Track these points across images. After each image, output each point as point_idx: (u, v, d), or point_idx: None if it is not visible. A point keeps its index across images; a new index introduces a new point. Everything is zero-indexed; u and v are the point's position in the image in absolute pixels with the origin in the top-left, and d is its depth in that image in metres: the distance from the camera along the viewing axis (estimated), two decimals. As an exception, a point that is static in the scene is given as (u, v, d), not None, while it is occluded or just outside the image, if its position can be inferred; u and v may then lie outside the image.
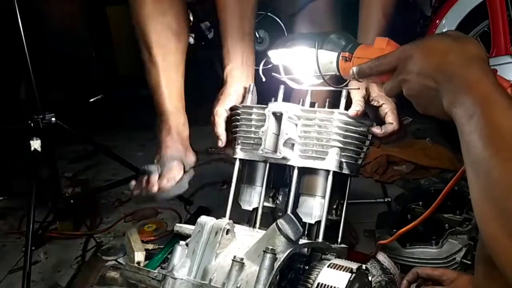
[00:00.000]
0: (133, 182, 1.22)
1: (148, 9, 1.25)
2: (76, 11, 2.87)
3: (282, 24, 2.49)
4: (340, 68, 0.83)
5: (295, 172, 0.98)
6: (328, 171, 0.96)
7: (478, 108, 0.56)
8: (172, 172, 1.20)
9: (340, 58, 0.82)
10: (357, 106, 0.96)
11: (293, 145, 0.98)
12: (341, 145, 0.95)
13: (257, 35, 2.37)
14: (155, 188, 1.17)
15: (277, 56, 0.96)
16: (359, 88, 1.00)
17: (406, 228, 0.95)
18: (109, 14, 3.06)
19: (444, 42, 0.63)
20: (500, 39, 1.68)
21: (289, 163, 0.98)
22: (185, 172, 1.24)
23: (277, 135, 0.98)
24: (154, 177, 1.19)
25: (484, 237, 0.55)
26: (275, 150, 0.97)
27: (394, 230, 1.25)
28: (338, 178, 0.98)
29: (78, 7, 2.88)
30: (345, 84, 0.94)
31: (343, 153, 0.96)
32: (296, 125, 0.98)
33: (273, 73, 1.00)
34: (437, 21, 1.87)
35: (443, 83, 0.61)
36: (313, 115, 0.97)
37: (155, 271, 0.83)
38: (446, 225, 1.23)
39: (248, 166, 1.05)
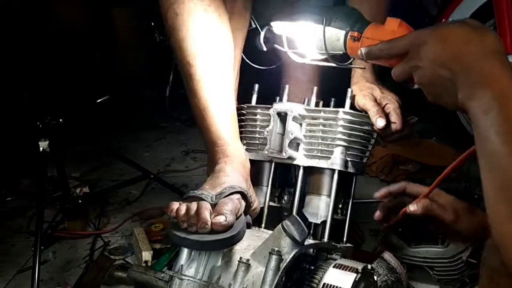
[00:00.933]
0: (174, 206, 0.85)
1: (185, 5, 0.98)
2: (81, 13, 2.88)
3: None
4: (348, 47, 0.81)
5: (301, 171, 0.99)
6: (333, 170, 0.96)
7: (496, 103, 0.54)
8: (233, 205, 0.85)
9: (349, 37, 0.79)
10: (383, 118, 0.96)
11: (298, 144, 0.99)
12: (346, 144, 0.96)
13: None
14: (207, 226, 0.79)
15: (280, 27, 0.93)
16: (364, 68, 0.99)
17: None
18: (114, 16, 3.08)
19: (462, 31, 0.60)
20: (506, 38, 1.67)
21: (294, 162, 0.99)
22: (246, 213, 0.93)
23: (282, 135, 0.98)
24: (206, 210, 0.82)
25: (496, 236, 0.53)
26: (281, 150, 0.97)
27: (400, 230, 1.26)
28: (344, 177, 0.99)
29: (83, 8, 2.90)
30: (349, 62, 0.91)
31: (348, 152, 0.96)
32: (301, 124, 0.99)
33: (275, 44, 0.97)
34: (443, 20, 1.86)
35: (460, 74, 0.59)
36: (318, 115, 0.97)
37: (162, 272, 0.83)
38: (452, 224, 1.23)
39: (254, 166, 1.06)
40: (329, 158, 0.96)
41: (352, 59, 0.89)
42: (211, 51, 1.00)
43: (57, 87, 2.12)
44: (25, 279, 1.37)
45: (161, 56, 2.36)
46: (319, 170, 0.99)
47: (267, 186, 1.03)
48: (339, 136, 0.96)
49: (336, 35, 0.81)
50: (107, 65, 2.85)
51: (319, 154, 0.97)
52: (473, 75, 0.57)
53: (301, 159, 0.99)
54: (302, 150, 0.99)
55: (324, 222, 0.97)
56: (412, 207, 0.86)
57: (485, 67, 0.57)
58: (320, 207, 0.98)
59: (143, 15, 2.80)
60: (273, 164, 1.03)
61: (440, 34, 0.62)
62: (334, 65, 0.90)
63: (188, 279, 0.79)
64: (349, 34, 0.79)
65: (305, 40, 0.90)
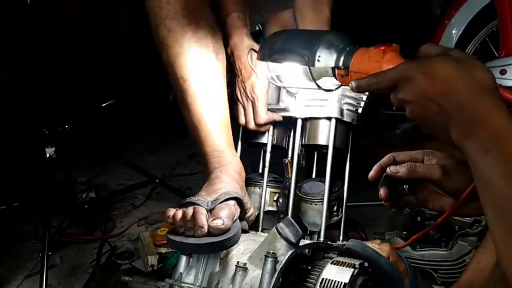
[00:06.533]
0: (170, 212, 0.87)
1: (178, 21, 0.97)
2: (86, 14, 2.90)
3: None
4: (338, 80, 0.80)
5: (299, 123, 1.01)
6: (330, 119, 0.98)
7: (494, 143, 0.52)
8: (229, 210, 0.86)
9: (337, 73, 0.78)
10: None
11: (294, 98, 1.01)
12: (340, 92, 0.97)
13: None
14: (204, 229, 0.81)
15: (266, 68, 0.92)
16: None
17: (418, 234, 0.94)
18: (118, 19, 3.09)
19: (449, 66, 0.58)
20: (509, 39, 1.66)
21: (291, 114, 1.01)
22: (241, 218, 0.94)
23: (279, 87, 0.99)
24: (202, 214, 0.84)
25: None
26: (278, 101, 0.99)
27: (404, 232, 1.26)
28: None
29: (88, 9, 2.91)
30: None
31: (343, 101, 0.98)
32: None
33: (269, 80, 0.95)
34: (446, 22, 1.85)
35: (451, 112, 0.56)
36: None
37: (162, 281, 0.84)
38: (456, 227, 1.23)
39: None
40: (325, 106, 0.97)
41: None
42: (205, 65, 0.99)
43: (63, 92, 2.14)
44: (33, 284, 1.39)
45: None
46: (316, 121, 1.01)
47: (262, 187, 1.04)
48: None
49: (324, 69, 0.80)
50: (112, 69, 2.86)
51: (315, 104, 0.99)
52: (465, 113, 0.55)
53: (298, 110, 1.00)
54: (299, 101, 1.00)
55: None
56: (394, 168, 0.78)
57: (477, 104, 0.54)
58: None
59: (147, 18, 2.81)
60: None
61: (425, 70, 0.59)
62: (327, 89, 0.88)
63: (188, 286, 0.81)
64: (336, 72, 0.78)
65: (294, 77, 0.89)
